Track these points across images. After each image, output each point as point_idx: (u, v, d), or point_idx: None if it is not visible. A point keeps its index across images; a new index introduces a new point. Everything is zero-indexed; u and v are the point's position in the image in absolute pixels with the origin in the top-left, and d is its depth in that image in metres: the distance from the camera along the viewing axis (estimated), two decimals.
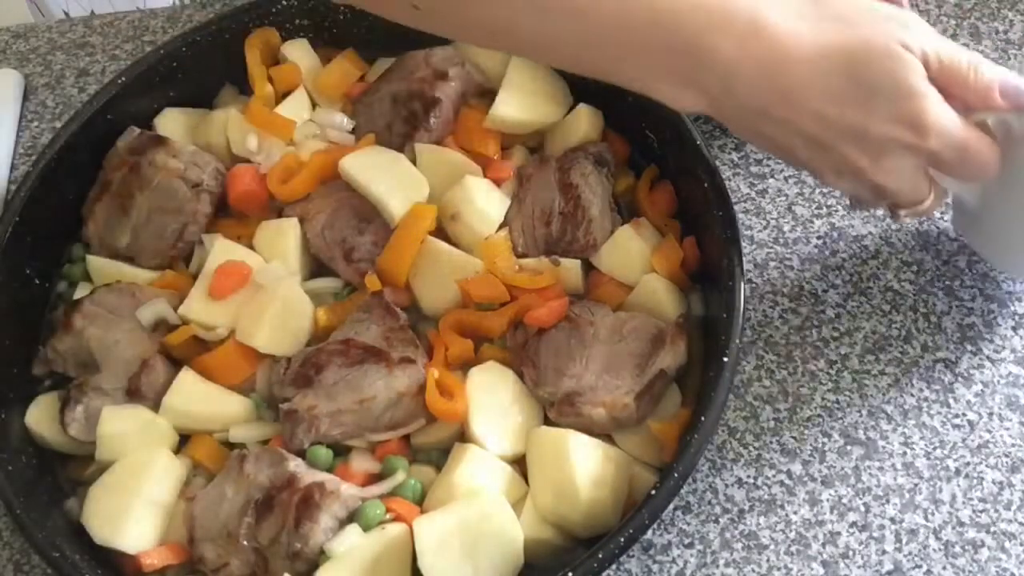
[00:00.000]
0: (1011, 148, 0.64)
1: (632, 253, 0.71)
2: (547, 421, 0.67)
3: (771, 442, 0.70)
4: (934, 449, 0.69)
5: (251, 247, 0.74)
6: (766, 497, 0.68)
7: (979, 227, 0.72)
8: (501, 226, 0.73)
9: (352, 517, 0.62)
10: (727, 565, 0.65)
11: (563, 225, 0.72)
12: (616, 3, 0.55)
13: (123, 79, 0.79)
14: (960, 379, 0.71)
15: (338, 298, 0.73)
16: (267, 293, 0.70)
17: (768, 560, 0.66)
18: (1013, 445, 0.69)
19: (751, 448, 0.70)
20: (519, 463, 0.66)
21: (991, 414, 0.70)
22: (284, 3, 0.81)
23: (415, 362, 0.66)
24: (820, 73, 0.56)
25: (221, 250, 0.73)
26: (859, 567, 0.65)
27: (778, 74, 0.56)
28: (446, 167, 0.74)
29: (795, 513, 0.67)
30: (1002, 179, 0.65)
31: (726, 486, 0.68)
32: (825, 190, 0.80)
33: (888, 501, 0.67)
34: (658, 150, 0.76)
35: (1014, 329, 0.73)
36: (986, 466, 0.68)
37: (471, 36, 0.65)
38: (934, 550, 0.65)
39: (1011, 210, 0.67)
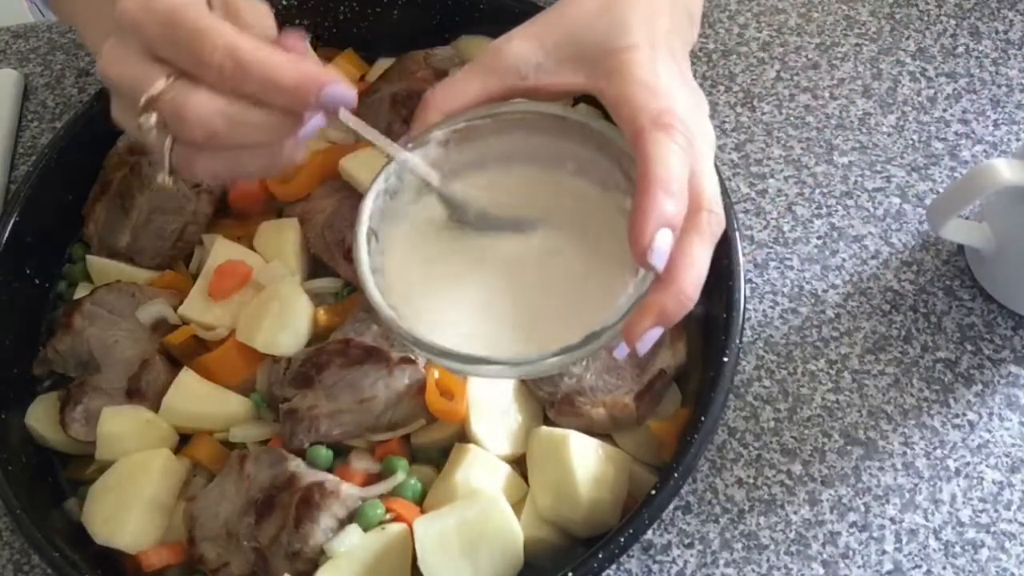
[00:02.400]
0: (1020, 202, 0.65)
1: None
2: (547, 421, 0.67)
3: (771, 442, 0.70)
4: (934, 449, 0.69)
5: (251, 247, 0.74)
6: (766, 497, 0.68)
7: (992, 273, 0.73)
8: None
9: (352, 517, 0.62)
10: (727, 565, 0.65)
11: None
12: None
13: None
14: (960, 379, 0.71)
15: (338, 298, 0.73)
16: (267, 293, 0.70)
17: (768, 560, 0.66)
18: (1013, 445, 0.69)
19: (751, 448, 0.70)
20: (519, 463, 0.66)
21: (991, 414, 0.70)
22: (284, 3, 0.81)
23: (415, 362, 0.66)
24: None
25: (221, 250, 0.73)
26: (859, 567, 0.65)
27: None
28: None
29: (795, 513, 0.67)
30: (1012, 228, 0.66)
31: (726, 486, 0.68)
32: (825, 190, 0.80)
33: (888, 501, 0.67)
34: None
35: (1014, 329, 0.73)
36: (986, 466, 0.68)
37: None
38: (934, 550, 0.65)
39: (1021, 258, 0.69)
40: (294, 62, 0.47)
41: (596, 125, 0.52)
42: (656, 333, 0.47)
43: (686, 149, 0.48)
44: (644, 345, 0.47)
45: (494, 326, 0.51)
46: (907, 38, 0.89)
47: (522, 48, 0.52)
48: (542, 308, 0.52)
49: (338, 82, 0.47)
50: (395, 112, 0.77)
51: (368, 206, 0.52)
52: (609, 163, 0.53)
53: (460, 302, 0.52)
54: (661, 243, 0.46)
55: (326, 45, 0.84)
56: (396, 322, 0.50)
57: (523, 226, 0.54)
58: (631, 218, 0.46)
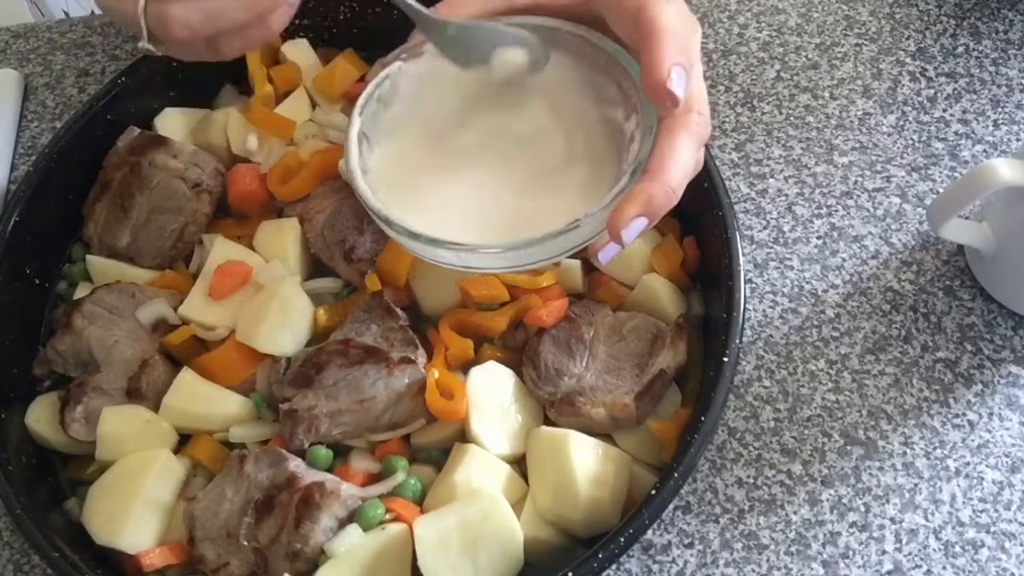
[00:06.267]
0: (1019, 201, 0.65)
1: (632, 253, 0.71)
2: (547, 421, 0.67)
3: (771, 442, 0.70)
4: (934, 449, 0.69)
5: (251, 247, 0.74)
6: (766, 497, 0.68)
7: (992, 273, 0.73)
8: None
9: (352, 517, 0.62)
10: (727, 565, 0.65)
11: None
12: None
13: (123, 79, 0.79)
14: (960, 379, 0.71)
15: (338, 298, 0.73)
16: (267, 293, 0.70)
17: (768, 560, 0.66)
18: (1013, 445, 0.69)
19: (751, 448, 0.70)
20: (519, 463, 0.66)
21: (991, 414, 0.70)
22: None
23: (415, 362, 0.66)
24: None
25: (221, 250, 0.73)
26: (859, 567, 0.65)
27: None
28: None
29: (795, 513, 0.67)
30: (1012, 228, 0.67)
31: (726, 486, 0.68)
32: (825, 190, 0.80)
33: (888, 501, 0.67)
34: None
35: (1014, 329, 0.73)
36: (986, 466, 0.68)
37: None
38: (934, 550, 0.65)
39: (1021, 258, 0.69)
40: None
41: (589, 35, 0.54)
42: (640, 224, 0.48)
43: (686, 21, 0.50)
44: (629, 234, 0.48)
45: (483, 220, 0.53)
46: (907, 38, 0.89)
47: None
48: (531, 207, 0.53)
49: None
50: None
51: (360, 105, 0.53)
52: (602, 77, 0.54)
53: (449, 199, 0.54)
54: (677, 77, 0.47)
55: (326, 45, 0.84)
56: (383, 211, 0.51)
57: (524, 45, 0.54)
58: (644, 62, 0.48)
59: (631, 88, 0.53)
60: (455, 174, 0.55)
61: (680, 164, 0.49)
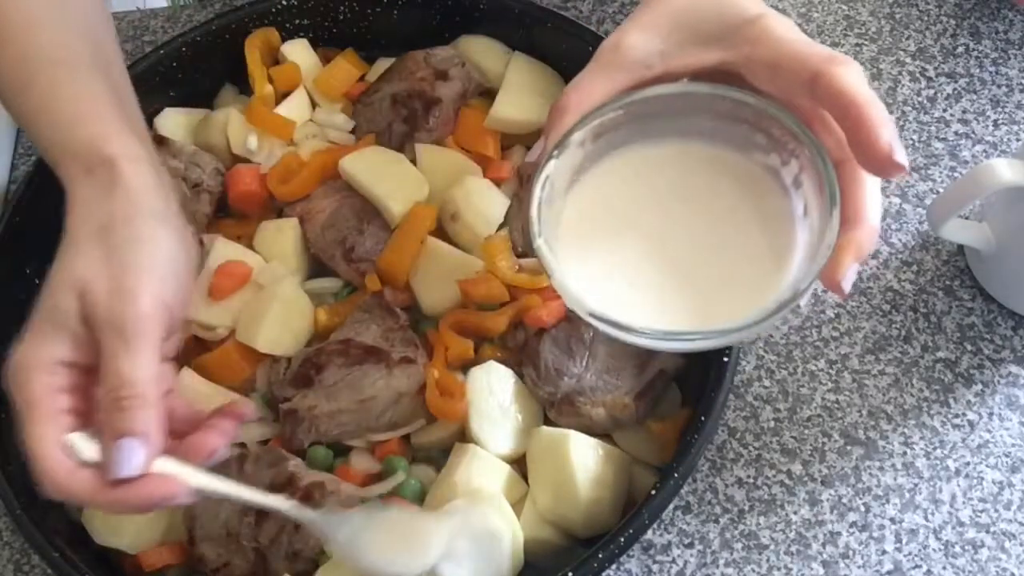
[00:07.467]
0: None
1: None
2: (547, 421, 0.67)
3: (771, 442, 0.70)
4: (934, 449, 0.69)
5: (251, 247, 0.74)
6: (766, 497, 0.68)
7: (992, 273, 0.73)
8: (501, 226, 0.73)
9: None
10: (727, 565, 0.65)
11: None
12: None
13: None
14: (960, 379, 0.72)
15: (338, 298, 0.73)
16: (267, 293, 0.70)
17: (768, 560, 0.66)
18: (1013, 445, 0.69)
19: (751, 448, 0.70)
20: (519, 463, 0.66)
21: (991, 414, 0.70)
22: (284, 3, 0.81)
23: (415, 362, 0.66)
24: None
25: (221, 250, 0.73)
26: (859, 567, 0.65)
27: None
28: (446, 167, 0.74)
29: (795, 513, 0.67)
30: (1012, 228, 0.68)
31: (726, 486, 0.68)
32: None
33: (888, 501, 0.67)
34: None
35: (1014, 329, 0.73)
36: (986, 466, 0.68)
37: None
38: (934, 550, 0.65)
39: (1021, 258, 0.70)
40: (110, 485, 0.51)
41: (727, 92, 0.52)
42: (855, 270, 0.48)
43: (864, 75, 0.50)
44: (848, 283, 0.48)
45: (662, 297, 0.51)
46: (907, 38, 0.89)
47: (640, 39, 0.52)
48: (702, 274, 0.52)
49: (135, 456, 0.51)
50: (395, 112, 0.77)
51: (534, 221, 0.51)
52: (745, 127, 0.53)
53: (625, 280, 0.52)
54: (896, 144, 0.47)
55: (326, 45, 0.84)
56: (617, 319, 0.49)
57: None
58: (864, 137, 0.47)
59: (783, 134, 0.51)
60: (628, 249, 0.54)
61: (876, 204, 0.49)
